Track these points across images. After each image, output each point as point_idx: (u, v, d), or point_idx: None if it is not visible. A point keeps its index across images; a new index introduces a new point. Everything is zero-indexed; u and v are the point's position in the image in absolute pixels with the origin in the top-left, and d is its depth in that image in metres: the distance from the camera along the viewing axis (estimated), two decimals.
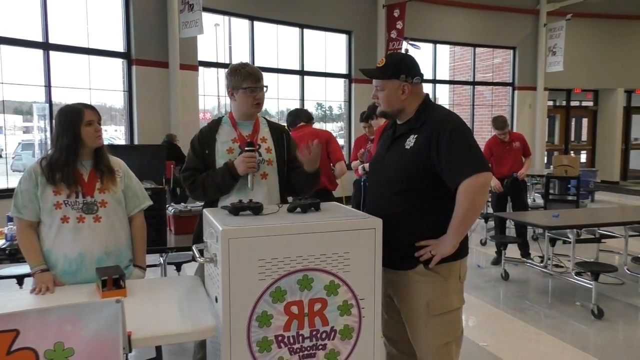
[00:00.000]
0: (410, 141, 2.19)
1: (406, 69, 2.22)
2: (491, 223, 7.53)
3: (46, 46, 7.53)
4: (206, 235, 2.21)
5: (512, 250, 6.01)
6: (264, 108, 2.78)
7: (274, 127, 2.72)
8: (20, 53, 7.37)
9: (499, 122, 6.18)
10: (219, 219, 2.01)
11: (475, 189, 2.07)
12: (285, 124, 4.86)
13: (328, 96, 11.45)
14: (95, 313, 1.62)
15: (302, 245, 1.94)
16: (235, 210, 2.11)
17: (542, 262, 5.59)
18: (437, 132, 2.12)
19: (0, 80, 6.94)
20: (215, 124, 2.68)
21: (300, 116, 4.81)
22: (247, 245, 1.88)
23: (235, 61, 10.45)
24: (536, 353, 3.73)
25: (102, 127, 2.47)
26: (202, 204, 2.75)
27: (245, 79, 2.53)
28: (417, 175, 2.16)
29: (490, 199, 6.41)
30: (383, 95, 2.26)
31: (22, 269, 3.70)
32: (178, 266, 4.40)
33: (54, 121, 2.47)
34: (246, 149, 2.50)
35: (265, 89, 2.60)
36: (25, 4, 7.51)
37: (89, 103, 2.54)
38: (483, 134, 11.96)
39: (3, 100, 7.09)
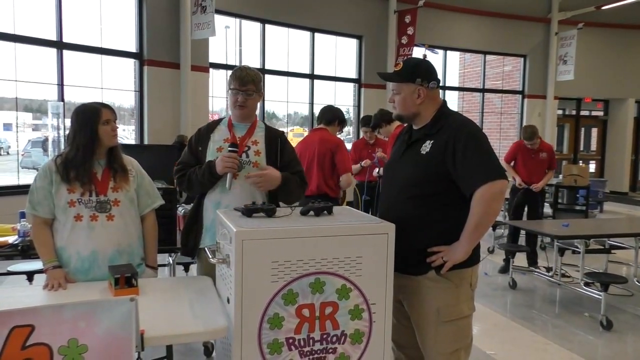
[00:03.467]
0: (426, 146, 2.20)
1: (422, 73, 2.23)
2: (499, 231, 7.51)
3: (60, 45, 7.59)
4: (219, 236, 2.22)
5: (520, 259, 5.98)
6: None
7: (270, 132, 2.75)
8: (34, 51, 7.43)
9: (528, 133, 6.03)
10: (232, 220, 2.01)
11: (490, 196, 2.07)
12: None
13: (337, 100, 11.45)
14: (109, 311, 1.63)
15: (315, 248, 1.94)
16: (249, 211, 2.12)
17: (548, 271, 5.56)
18: (453, 138, 2.12)
19: (14, 78, 7.00)
20: (214, 124, 2.77)
21: (322, 117, 4.48)
22: (261, 247, 1.88)
23: (245, 64, 10.46)
24: None
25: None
26: None
27: (233, 81, 2.63)
28: (431, 180, 2.16)
29: (507, 207, 6.38)
30: (399, 99, 2.27)
31: (33, 265, 3.72)
32: (186, 266, 4.41)
33: (70, 119, 2.49)
34: (229, 148, 2.56)
35: (253, 94, 2.63)
36: (40, 3, 7.58)
37: (105, 102, 2.56)
38: (492, 142, 11.85)
39: (16, 98, 7.15)
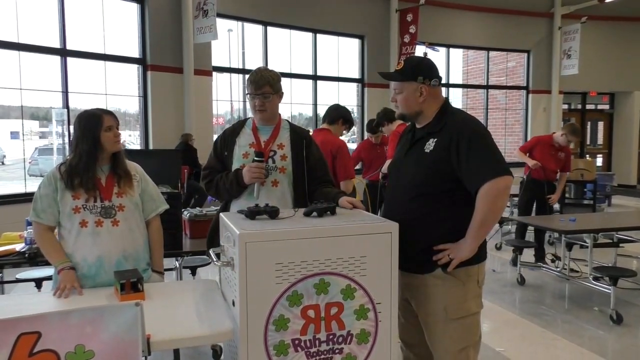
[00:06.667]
0: (430, 145, 2.19)
1: (424, 71, 2.22)
2: (506, 227, 7.48)
3: (63, 52, 7.64)
4: (223, 239, 2.22)
5: (527, 255, 5.94)
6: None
7: (295, 132, 2.68)
8: (38, 59, 7.49)
9: (578, 130, 5.88)
10: (235, 223, 2.01)
11: (495, 193, 2.06)
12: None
13: (341, 101, 11.45)
14: (115, 316, 1.64)
15: (319, 249, 1.94)
16: (252, 214, 2.12)
17: (553, 262, 5.53)
18: (457, 136, 2.11)
19: (19, 87, 7.05)
20: (238, 127, 2.71)
21: (326, 115, 4.34)
22: (264, 249, 1.88)
23: (248, 66, 10.53)
24: (554, 358, 3.69)
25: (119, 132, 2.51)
26: (218, 208, 2.78)
27: (249, 86, 2.59)
28: (436, 178, 2.16)
29: (518, 202, 6.35)
30: (401, 98, 2.27)
31: (41, 272, 3.75)
32: (193, 270, 4.42)
33: (72, 126, 2.50)
34: (255, 158, 2.52)
35: (270, 96, 2.57)
36: (43, 11, 7.63)
37: (107, 108, 2.56)
38: (497, 138, 11.88)
39: (21, 106, 7.21)
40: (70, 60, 7.71)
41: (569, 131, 5.83)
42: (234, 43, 10.34)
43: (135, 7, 8.63)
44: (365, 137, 6.47)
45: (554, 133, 6.05)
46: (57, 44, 7.62)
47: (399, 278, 2.11)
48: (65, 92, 7.66)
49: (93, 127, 2.39)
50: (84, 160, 2.38)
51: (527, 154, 6.07)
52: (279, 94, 2.64)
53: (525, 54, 13.12)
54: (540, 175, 5.96)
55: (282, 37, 10.44)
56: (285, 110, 10.84)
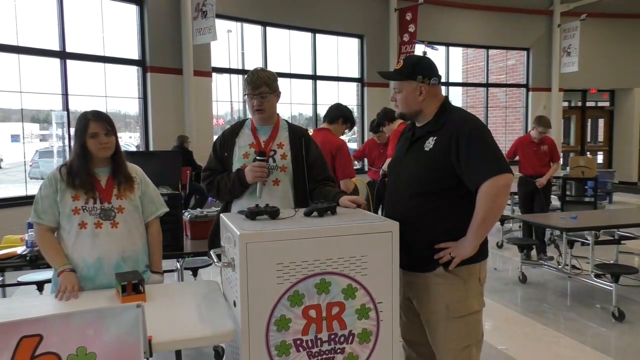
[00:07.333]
0: (430, 143, 2.19)
1: (423, 70, 2.22)
2: (507, 225, 7.48)
3: (63, 55, 7.65)
4: (223, 239, 2.22)
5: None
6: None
7: (294, 131, 2.70)
8: (38, 62, 7.49)
9: (546, 122, 6.15)
10: (236, 224, 2.01)
11: (495, 191, 2.06)
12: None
13: (341, 100, 11.42)
14: (116, 318, 1.64)
15: (319, 249, 1.94)
16: (252, 214, 2.12)
17: (559, 264, 5.52)
18: (457, 134, 2.11)
19: (19, 90, 7.05)
20: (237, 127, 2.73)
21: (326, 115, 4.29)
22: (265, 250, 1.88)
23: (247, 67, 10.55)
24: (556, 356, 3.69)
25: (116, 135, 2.47)
26: (218, 209, 2.79)
27: (246, 86, 2.61)
28: (436, 177, 2.16)
29: (518, 200, 6.46)
30: (401, 97, 2.26)
31: (42, 275, 3.75)
32: (194, 271, 4.42)
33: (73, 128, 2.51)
34: (256, 157, 2.53)
35: (268, 96, 2.58)
36: (42, 13, 7.63)
37: (100, 112, 2.48)
38: (497, 136, 11.88)
39: (21, 109, 7.21)
40: (69, 62, 7.71)
41: (537, 123, 6.18)
42: (234, 44, 10.34)
43: (134, 8, 8.63)
44: (370, 137, 6.56)
45: (530, 131, 6.36)
46: (56, 47, 7.62)
47: (400, 277, 2.11)
48: (65, 95, 7.66)
49: (80, 132, 2.40)
50: (79, 161, 2.40)
51: (516, 158, 6.35)
52: (276, 93, 2.65)
53: (525, 52, 13.10)
54: (529, 171, 6.22)
55: (281, 38, 10.43)
56: (285, 110, 10.84)
